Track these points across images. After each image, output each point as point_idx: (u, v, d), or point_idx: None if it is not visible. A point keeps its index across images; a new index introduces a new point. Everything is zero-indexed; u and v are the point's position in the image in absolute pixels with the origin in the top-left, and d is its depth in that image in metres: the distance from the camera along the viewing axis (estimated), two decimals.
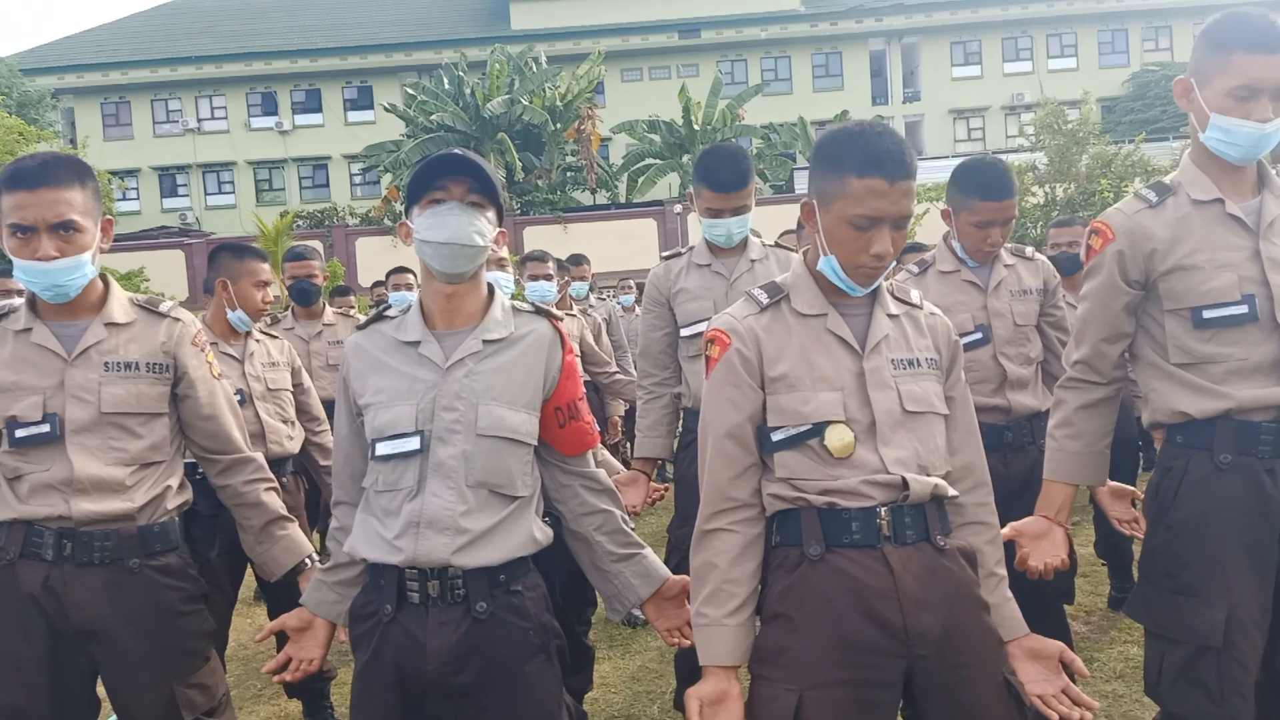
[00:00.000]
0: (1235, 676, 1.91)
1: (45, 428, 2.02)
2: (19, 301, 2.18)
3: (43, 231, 1.98)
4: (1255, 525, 1.93)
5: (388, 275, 5.88)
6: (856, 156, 1.61)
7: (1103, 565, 4.56)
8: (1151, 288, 2.05)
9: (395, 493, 1.79)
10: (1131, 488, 2.35)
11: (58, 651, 2.03)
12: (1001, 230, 2.91)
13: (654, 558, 2.00)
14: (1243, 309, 1.94)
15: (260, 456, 2.34)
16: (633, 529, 2.03)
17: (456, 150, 1.82)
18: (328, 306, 5.16)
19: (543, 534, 1.87)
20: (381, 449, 1.80)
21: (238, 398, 3.23)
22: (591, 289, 8.84)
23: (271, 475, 2.35)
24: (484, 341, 1.84)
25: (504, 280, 2.82)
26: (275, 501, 2.31)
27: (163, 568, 2.11)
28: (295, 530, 2.33)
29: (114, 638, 2.03)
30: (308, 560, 2.30)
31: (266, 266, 3.42)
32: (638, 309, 10.30)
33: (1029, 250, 3.14)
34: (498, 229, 1.88)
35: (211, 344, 3.33)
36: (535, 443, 1.87)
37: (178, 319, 2.22)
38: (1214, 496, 1.96)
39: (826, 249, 1.68)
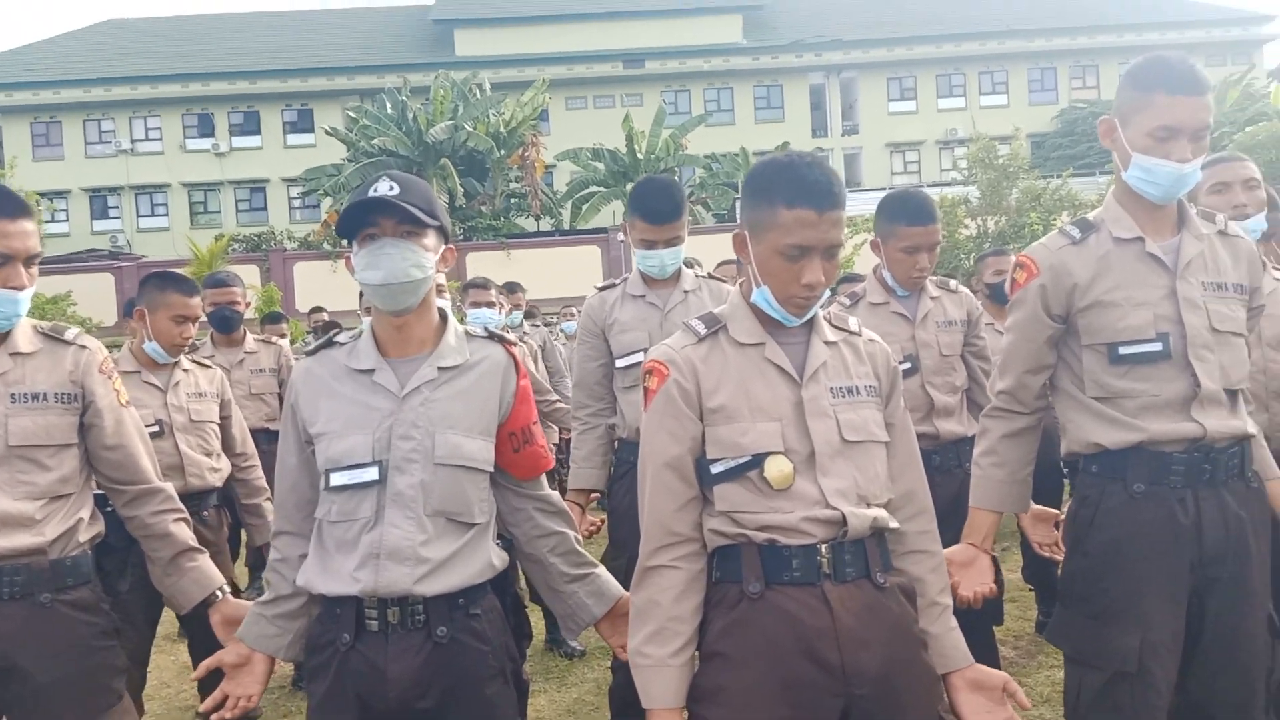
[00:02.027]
0: (1150, 702, 1.96)
1: None
2: None
3: (19, 261, 2.00)
4: (1168, 553, 1.98)
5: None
6: (786, 187, 1.63)
7: (1030, 590, 4.65)
8: (1071, 322, 2.11)
9: (352, 523, 1.76)
10: (1054, 511, 2.41)
11: None
12: (928, 255, 3.00)
13: (607, 576, 2.00)
14: (1157, 346, 2.00)
15: (169, 487, 2.28)
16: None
17: (383, 180, 1.79)
18: (249, 334, 5.05)
19: (499, 559, 1.86)
20: (337, 479, 1.77)
21: (155, 428, 3.16)
22: (527, 316, 8.80)
23: (181, 506, 2.29)
24: (439, 369, 1.82)
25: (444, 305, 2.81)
26: (184, 532, 2.25)
27: (75, 602, 2.06)
28: (206, 561, 2.26)
29: (25, 674, 1.97)
30: (218, 592, 2.22)
31: (192, 301, 3.29)
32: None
33: (953, 283, 3.26)
34: (443, 249, 1.86)
35: (134, 372, 3.27)
36: (492, 469, 1.86)
37: (84, 346, 2.18)
38: (1128, 525, 2.01)
39: (759, 280, 1.69)
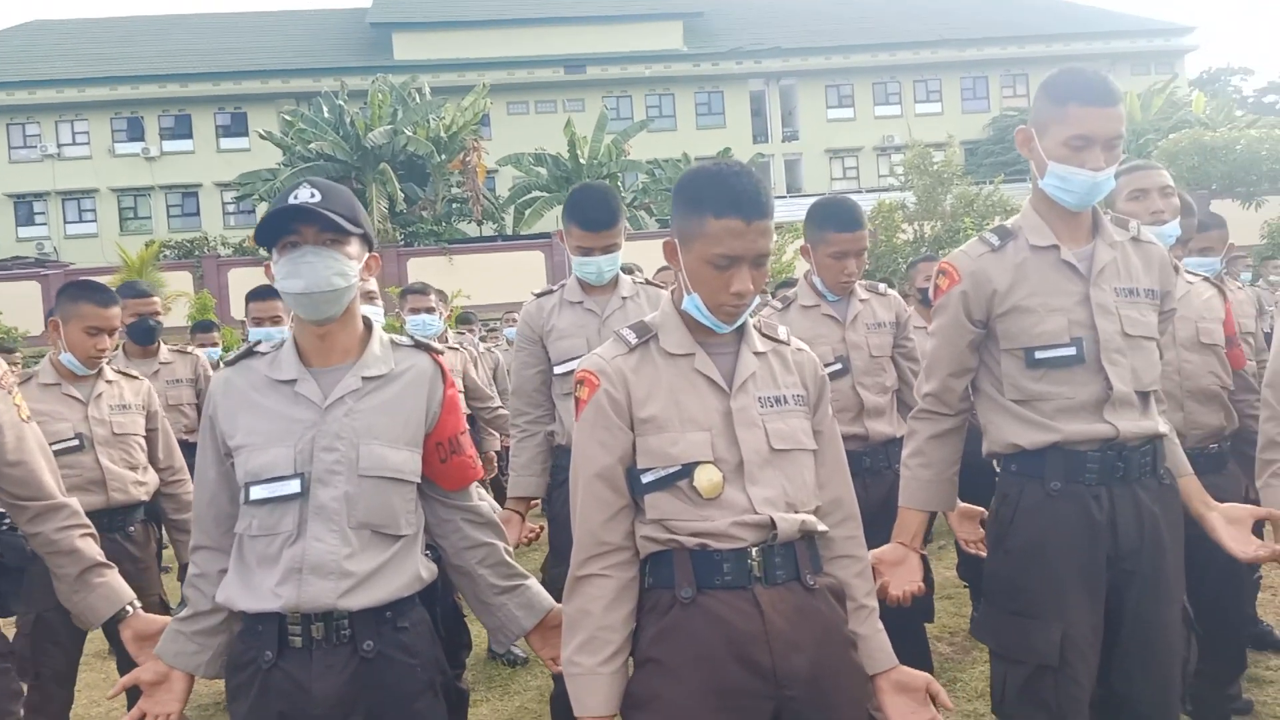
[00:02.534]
0: (1071, 694, 2.02)
1: None
2: None
3: None
4: (1085, 548, 2.05)
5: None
6: (714, 197, 1.64)
7: (965, 587, 4.75)
8: (991, 327, 2.17)
9: (273, 537, 1.73)
10: (980, 509, 2.47)
11: None
12: (856, 261, 3.06)
13: (538, 588, 1.98)
14: (1071, 351, 2.07)
15: (74, 502, 2.18)
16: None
17: (303, 187, 1.75)
18: (163, 345, 4.91)
19: (428, 571, 1.84)
20: (257, 493, 1.73)
21: (74, 442, 3.08)
22: (462, 321, 8.75)
23: (87, 521, 2.18)
24: (363, 379, 1.79)
25: (374, 314, 2.77)
26: (91, 548, 2.14)
27: None
28: (115, 576, 2.16)
29: None
30: (128, 607, 2.12)
31: (108, 312, 3.18)
32: None
33: (881, 286, 3.33)
34: (367, 256, 1.83)
35: (54, 384, 3.18)
36: (418, 480, 1.84)
37: None
38: (1047, 522, 2.07)
39: (690, 287, 1.71)
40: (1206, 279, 3.05)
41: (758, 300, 1.76)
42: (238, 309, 19.78)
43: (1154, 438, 2.11)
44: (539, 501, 3.31)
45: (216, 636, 1.84)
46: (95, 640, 3.38)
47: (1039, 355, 2.09)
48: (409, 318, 4.57)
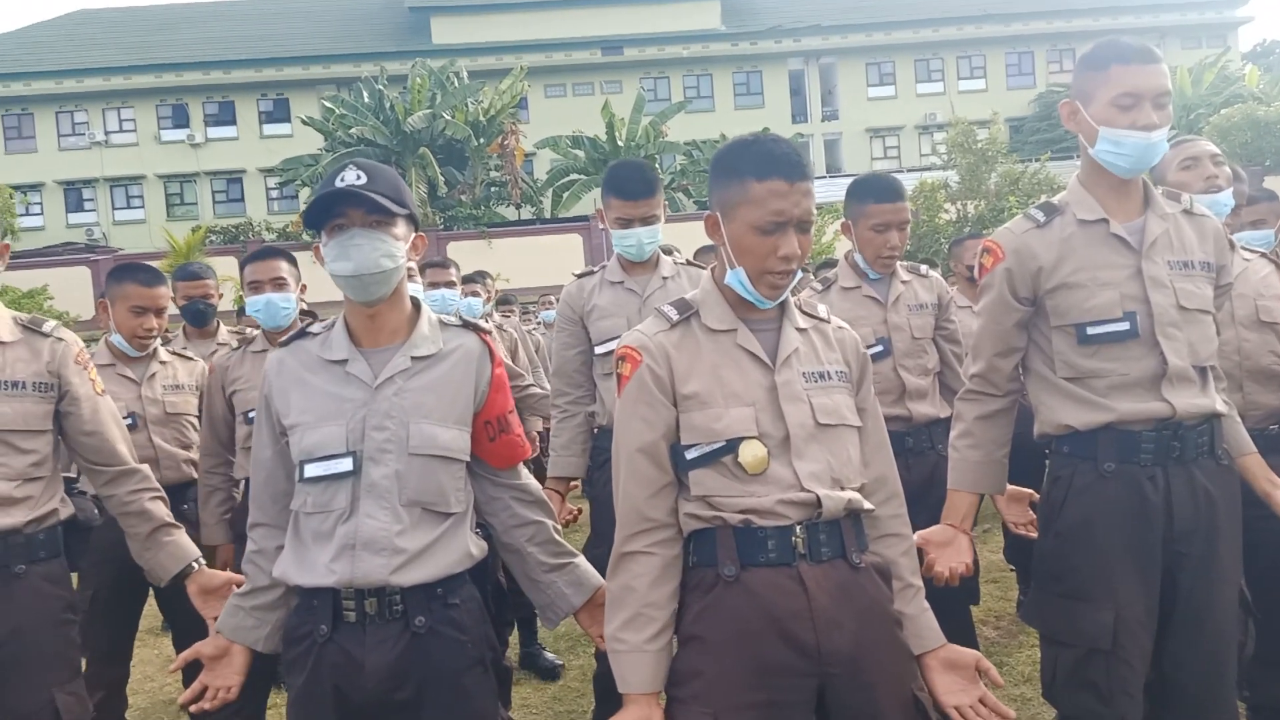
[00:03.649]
0: (1123, 677, 1.99)
1: None
2: None
3: None
4: (1138, 530, 2.01)
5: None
6: (755, 161, 1.64)
7: (1012, 571, 4.70)
8: (1040, 304, 2.13)
9: (327, 514, 1.76)
10: (1028, 491, 2.43)
11: None
12: (899, 234, 3.02)
13: (586, 566, 1.99)
14: (1124, 326, 2.03)
15: (146, 468, 2.39)
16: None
17: (350, 169, 1.77)
18: (222, 326, 4.98)
19: (477, 548, 1.86)
20: (311, 470, 1.76)
21: (129, 421, 3.15)
22: (502, 303, 8.77)
23: (157, 486, 2.40)
24: (412, 358, 1.82)
25: (414, 290, 2.79)
26: (161, 509, 2.35)
27: (46, 574, 2.19)
28: (182, 536, 2.35)
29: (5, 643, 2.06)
30: (194, 564, 2.32)
31: (153, 291, 3.25)
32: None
33: (923, 268, 3.30)
34: (413, 236, 1.86)
35: (109, 365, 3.24)
36: (467, 459, 1.85)
37: (61, 338, 2.29)
38: (1098, 503, 2.04)
39: (733, 260, 1.70)
40: (1263, 254, 2.97)
41: (800, 275, 1.74)
42: None
43: (1212, 416, 2.06)
44: (578, 483, 3.32)
45: (274, 611, 1.88)
46: (150, 617, 3.45)
47: (1091, 331, 2.05)
48: (428, 292, 4.31)
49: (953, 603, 2.68)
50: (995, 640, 4.09)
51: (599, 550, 2.81)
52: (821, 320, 1.81)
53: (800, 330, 1.76)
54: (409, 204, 1.83)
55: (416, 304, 1.90)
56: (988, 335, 2.19)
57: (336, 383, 1.81)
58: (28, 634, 2.11)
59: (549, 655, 4.12)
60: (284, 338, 1.94)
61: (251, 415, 2.88)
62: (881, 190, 3.02)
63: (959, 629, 2.64)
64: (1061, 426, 2.10)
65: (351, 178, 1.75)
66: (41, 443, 2.20)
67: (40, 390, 2.21)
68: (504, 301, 8.83)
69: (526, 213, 28.40)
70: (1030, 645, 3.98)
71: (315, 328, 1.91)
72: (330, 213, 1.77)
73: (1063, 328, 2.09)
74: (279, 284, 3.20)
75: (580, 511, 3.28)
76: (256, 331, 3.44)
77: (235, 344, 3.30)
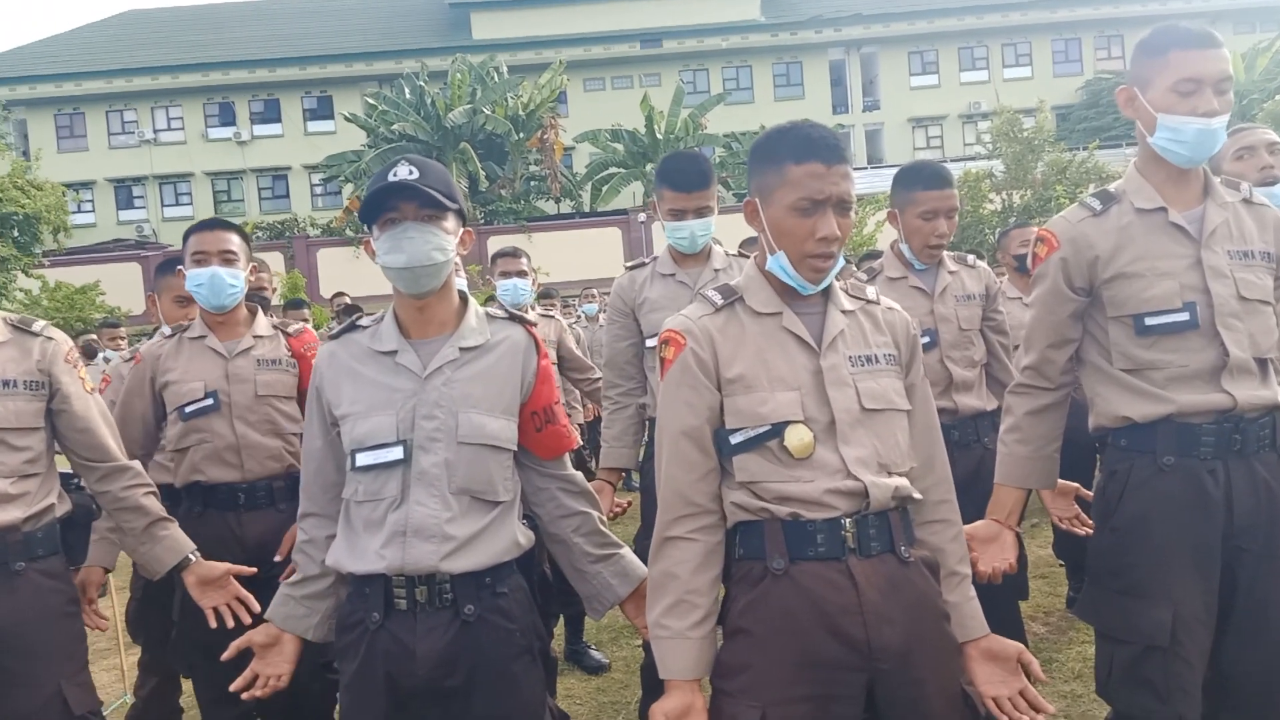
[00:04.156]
0: (1181, 675, 1.95)
1: None
2: None
3: None
4: (1198, 525, 1.97)
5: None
6: (791, 145, 1.65)
7: (1061, 566, 4.63)
8: (1096, 295, 2.09)
9: (378, 502, 1.79)
10: (1074, 485, 2.39)
11: None
12: (947, 222, 2.98)
13: (632, 557, 2.00)
14: (1184, 316, 1.98)
15: (137, 465, 2.42)
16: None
17: (402, 165, 1.80)
18: (274, 318, 5.05)
19: (525, 538, 1.88)
20: (362, 459, 1.80)
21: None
22: (544, 297, 8.78)
23: (150, 481, 2.43)
24: (460, 349, 1.84)
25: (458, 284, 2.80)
26: (154, 504, 2.39)
27: (45, 570, 2.22)
28: (176, 530, 2.40)
29: (7, 634, 2.10)
30: (190, 556, 2.36)
31: None
32: (602, 318, 10.32)
33: (970, 258, 3.25)
34: (461, 231, 1.88)
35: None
36: (515, 448, 1.88)
37: (50, 337, 2.33)
38: (1156, 498, 2.00)
39: (773, 245, 1.69)
40: None
41: (842, 263, 1.72)
42: (327, 288, 20.35)
43: (1273, 408, 2.01)
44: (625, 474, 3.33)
45: (324, 600, 1.92)
46: None
47: (1149, 321, 2.01)
48: (499, 282, 4.37)
49: (1001, 598, 2.65)
50: (1044, 636, 4.04)
51: (649, 541, 2.82)
52: (870, 302, 1.80)
53: (846, 313, 1.74)
54: (459, 199, 1.86)
55: (464, 297, 1.93)
56: (1041, 326, 2.15)
57: (386, 373, 1.84)
58: (32, 629, 2.15)
59: (595, 653, 4.13)
60: (334, 330, 1.96)
61: (188, 410, 2.68)
62: (929, 177, 2.98)
63: (1007, 624, 2.61)
64: (1119, 419, 2.06)
65: (404, 172, 1.78)
66: (35, 440, 2.23)
67: (31, 389, 2.25)
68: (545, 295, 8.85)
69: (566, 207, 28.49)
70: (1080, 641, 3.93)
71: (365, 321, 1.94)
72: (383, 207, 1.80)
73: (1120, 319, 2.05)
74: (227, 258, 2.73)
75: (630, 504, 3.29)
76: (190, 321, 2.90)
77: (169, 331, 2.84)
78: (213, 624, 2.30)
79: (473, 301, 1.93)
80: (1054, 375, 2.17)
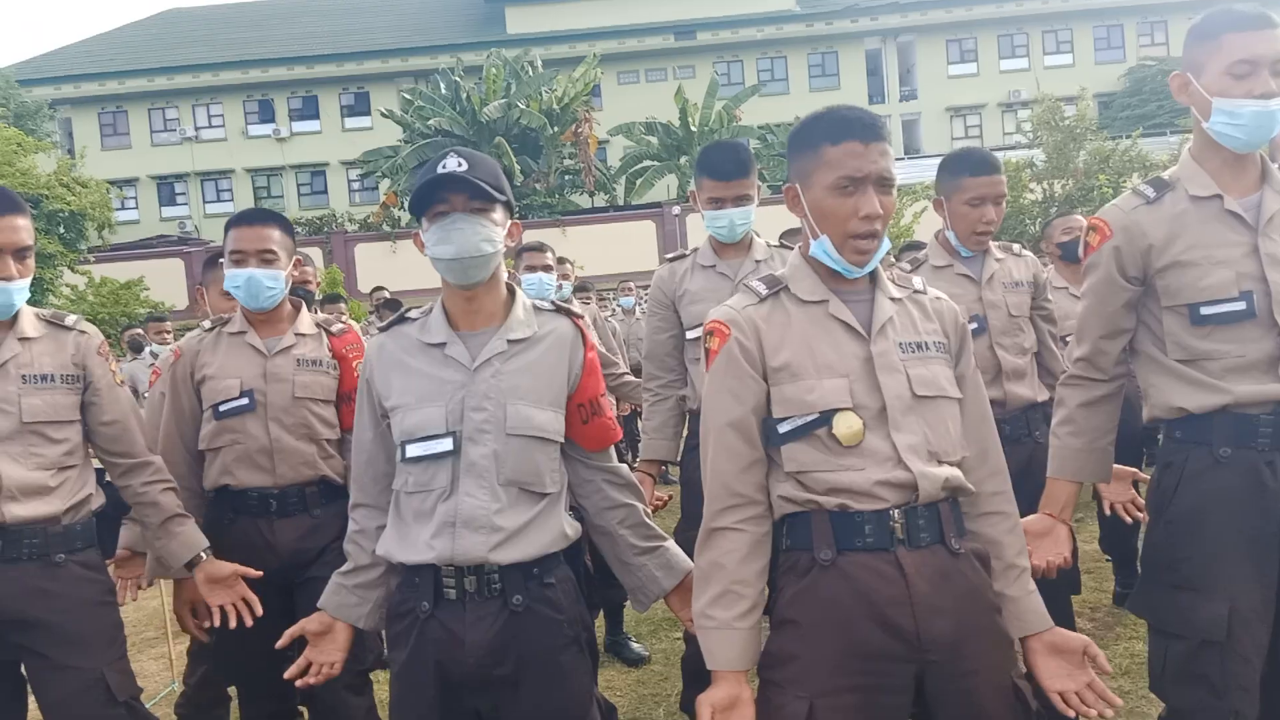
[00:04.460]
0: (1238, 670, 1.91)
1: None
2: None
3: (8, 254, 2.19)
4: (1254, 518, 1.93)
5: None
6: (828, 127, 1.65)
7: (1107, 561, 4.56)
8: (1150, 284, 2.05)
9: (428, 493, 1.80)
10: (1132, 469, 2.35)
11: None
12: (995, 209, 2.94)
13: (677, 550, 2.00)
14: (1240, 305, 1.94)
15: (159, 460, 2.47)
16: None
17: (451, 157, 1.81)
18: (318, 312, 5.11)
19: (572, 529, 1.89)
20: (412, 450, 1.81)
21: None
22: (580, 290, 8.79)
23: (170, 477, 2.47)
24: (508, 341, 1.85)
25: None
26: (172, 500, 2.43)
27: (84, 562, 2.29)
28: (191, 526, 2.44)
29: (43, 626, 2.17)
30: (202, 554, 2.41)
31: None
32: (638, 311, 10.33)
33: (1016, 247, 3.21)
34: (509, 223, 1.89)
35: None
36: (562, 440, 1.88)
37: (83, 331, 2.40)
38: (1212, 490, 1.96)
39: (816, 229, 1.68)
40: None
41: (887, 245, 1.70)
42: (364, 282, 20.56)
43: None
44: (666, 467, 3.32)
45: (375, 590, 1.94)
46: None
47: (1205, 311, 1.96)
48: (524, 276, 4.32)
49: (1054, 593, 2.61)
50: (1091, 632, 3.98)
51: (690, 533, 2.79)
52: (917, 291, 1.78)
53: (894, 300, 1.73)
54: (507, 191, 1.87)
55: (511, 289, 1.94)
56: (1093, 317, 2.12)
57: (435, 365, 1.85)
58: (73, 618, 2.21)
59: (635, 645, 4.13)
60: (383, 323, 1.97)
61: (222, 408, 2.55)
62: (977, 163, 2.94)
63: (1060, 619, 2.56)
64: (1174, 410, 2.02)
65: (453, 164, 1.79)
66: (72, 432, 2.30)
67: (68, 382, 2.31)
68: (581, 288, 8.87)
69: (600, 200, 28.53)
70: (1128, 637, 3.87)
71: (413, 313, 1.95)
72: (432, 198, 1.81)
73: (1174, 308, 2.01)
74: (265, 258, 2.57)
75: (670, 497, 3.29)
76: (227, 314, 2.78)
77: (208, 324, 2.73)
78: (216, 622, 2.38)
79: (520, 294, 1.94)
80: (1107, 366, 2.13)
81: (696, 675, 3.00)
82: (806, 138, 1.68)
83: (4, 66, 28.85)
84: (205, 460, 2.60)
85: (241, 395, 2.56)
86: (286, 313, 2.71)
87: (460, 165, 1.79)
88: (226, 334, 2.66)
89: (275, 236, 2.61)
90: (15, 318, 2.30)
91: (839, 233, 1.65)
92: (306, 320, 2.74)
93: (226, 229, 2.66)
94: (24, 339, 2.29)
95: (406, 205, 2.01)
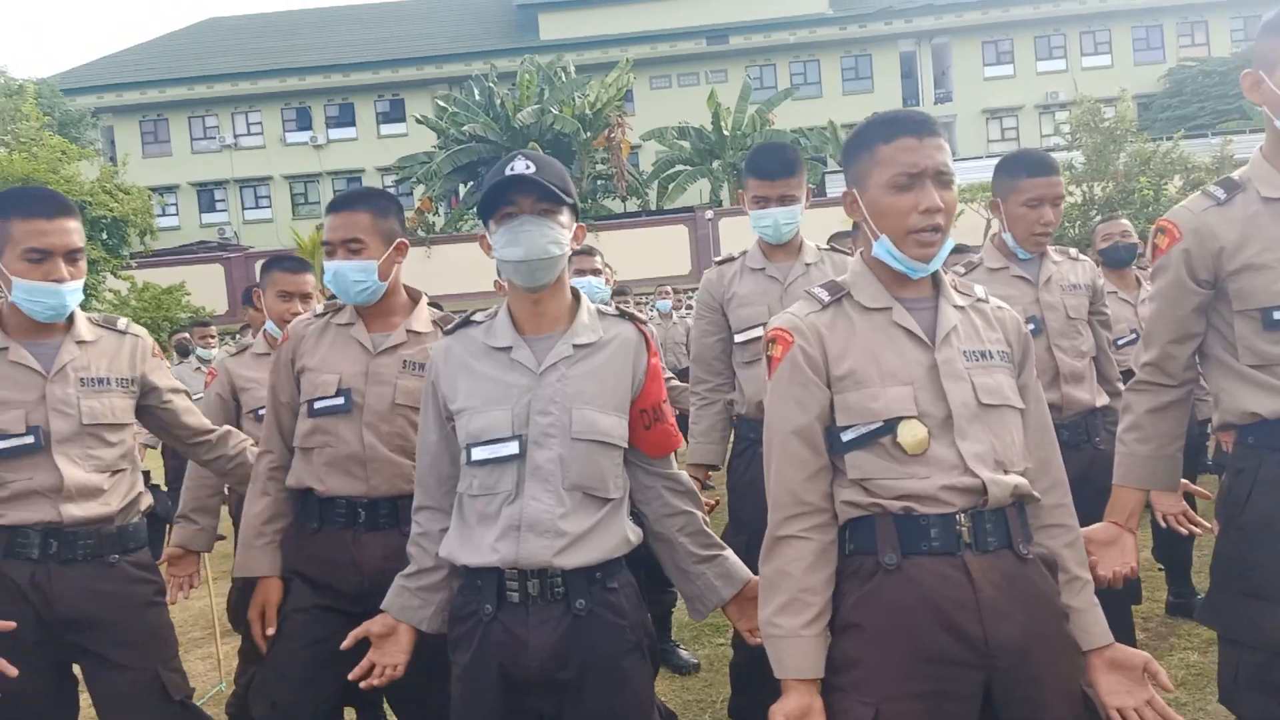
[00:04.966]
0: None
1: (29, 439, 2.19)
2: None
3: (59, 256, 2.19)
4: None
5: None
6: (879, 127, 1.66)
7: (1160, 570, 4.47)
8: (1220, 287, 2.01)
9: (492, 497, 1.80)
10: (1183, 480, 2.30)
11: (46, 641, 2.19)
12: (1053, 210, 2.93)
13: (735, 559, 1.99)
14: None
15: (232, 428, 2.64)
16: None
17: (519, 159, 1.81)
18: None
19: (635, 535, 1.89)
20: (478, 454, 1.81)
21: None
22: (617, 294, 8.79)
23: (246, 435, 2.63)
24: (574, 346, 1.85)
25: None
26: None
27: (136, 563, 2.32)
28: None
29: (98, 625, 2.19)
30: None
31: (297, 278, 3.43)
32: (674, 315, 10.32)
33: (1073, 251, 3.18)
34: (575, 226, 1.89)
35: (264, 354, 3.40)
36: (626, 445, 1.88)
37: (137, 335, 2.44)
38: None
39: (875, 230, 1.67)
40: None
41: (951, 244, 1.68)
42: None
43: None
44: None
45: (438, 592, 1.95)
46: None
47: (1278, 315, 1.91)
48: (573, 280, 4.40)
49: (1114, 603, 2.56)
50: (1144, 643, 3.90)
51: (738, 538, 2.80)
52: (980, 300, 1.76)
53: (958, 308, 1.71)
54: (573, 193, 1.86)
55: (576, 293, 1.94)
56: (1162, 321, 2.07)
57: (501, 369, 1.85)
58: (128, 618, 2.25)
59: (683, 652, 4.11)
60: (449, 326, 1.98)
61: (317, 405, 2.32)
62: (1034, 164, 2.92)
63: (1121, 630, 2.51)
64: (1247, 415, 1.97)
65: (521, 167, 1.79)
66: (127, 434, 2.33)
67: (123, 385, 2.34)
68: (619, 292, 8.88)
69: (632, 205, 28.56)
70: (1182, 648, 3.79)
71: (479, 316, 1.96)
72: (500, 200, 1.82)
73: (1247, 312, 1.96)
74: (352, 248, 2.33)
75: (717, 502, 3.28)
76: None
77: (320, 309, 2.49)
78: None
79: (585, 298, 1.94)
80: (1176, 371, 2.08)
81: (745, 682, 2.98)
82: (860, 141, 1.68)
83: (49, 76, 29.44)
84: (295, 459, 2.38)
85: (338, 394, 2.31)
86: (400, 304, 2.40)
87: (528, 167, 1.79)
88: (335, 324, 2.39)
89: (364, 223, 2.32)
90: (71, 321, 2.32)
91: (899, 229, 1.63)
92: (424, 316, 2.41)
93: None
94: (81, 342, 2.31)
95: (475, 208, 1.98)
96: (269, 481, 2.39)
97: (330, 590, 2.27)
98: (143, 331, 2.46)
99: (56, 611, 2.18)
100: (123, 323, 2.43)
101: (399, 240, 2.37)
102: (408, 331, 2.36)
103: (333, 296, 2.48)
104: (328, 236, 2.37)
